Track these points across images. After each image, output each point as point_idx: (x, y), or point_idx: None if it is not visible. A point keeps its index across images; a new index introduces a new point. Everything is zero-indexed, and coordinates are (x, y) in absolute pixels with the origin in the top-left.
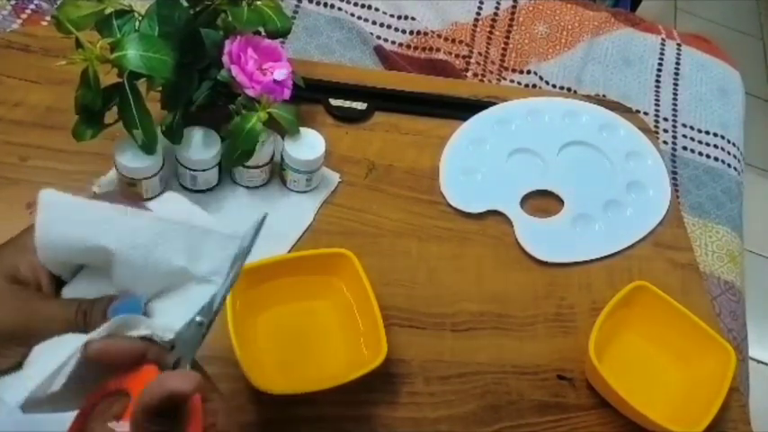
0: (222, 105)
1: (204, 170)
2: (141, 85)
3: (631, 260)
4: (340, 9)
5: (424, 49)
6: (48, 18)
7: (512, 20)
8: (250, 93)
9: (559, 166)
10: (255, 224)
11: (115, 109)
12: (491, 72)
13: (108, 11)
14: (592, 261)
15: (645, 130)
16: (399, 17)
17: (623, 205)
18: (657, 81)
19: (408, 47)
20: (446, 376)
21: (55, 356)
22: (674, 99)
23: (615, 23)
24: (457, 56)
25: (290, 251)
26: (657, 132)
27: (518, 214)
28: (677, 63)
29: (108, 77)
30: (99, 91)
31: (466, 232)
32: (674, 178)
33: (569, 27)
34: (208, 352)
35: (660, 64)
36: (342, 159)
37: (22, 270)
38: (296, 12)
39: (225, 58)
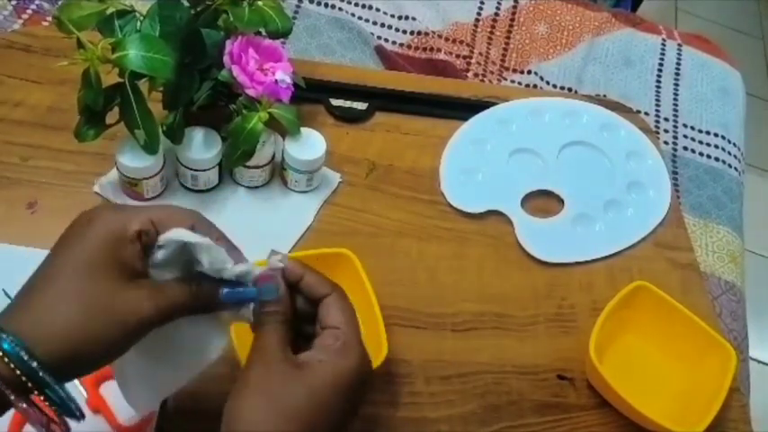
0: (223, 105)
1: (205, 170)
2: (142, 85)
3: (632, 260)
4: (341, 9)
5: (424, 49)
6: (49, 18)
7: (512, 20)
8: (251, 93)
9: (560, 166)
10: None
11: (116, 109)
12: (492, 72)
13: (109, 11)
14: (592, 261)
15: (645, 130)
16: (400, 17)
17: (624, 205)
18: (658, 81)
19: (409, 47)
20: (446, 376)
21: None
22: (675, 99)
23: (616, 23)
24: (457, 56)
25: (290, 251)
26: (658, 132)
27: (518, 214)
28: (678, 63)
29: (109, 77)
30: (100, 91)
31: (466, 232)
32: (675, 178)
33: (570, 27)
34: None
35: (661, 64)
36: (342, 159)
37: (127, 264)
38: (297, 12)
39: (226, 59)
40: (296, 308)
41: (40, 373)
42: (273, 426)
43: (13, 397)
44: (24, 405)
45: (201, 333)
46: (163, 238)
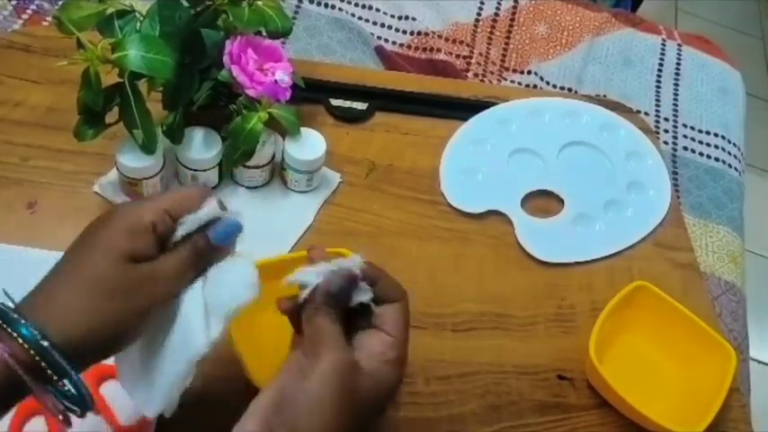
0: (223, 105)
1: (205, 170)
2: (142, 85)
3: (632, 260)
4: (341, 9)
5: (424, 49)
6: (49, 18)
7: (512, 20)
8: (251, 93)
9: (560, 166)
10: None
11: (116, 109)
12: (492, 72)
13: (109, 11)
14: (592, 261)
15: (645, 130)
16: (400, 17)
17: (624, 205)
18: (658, 81)
19: (409, 47)
20: (446, 376)
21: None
22: (675, 99)
23: (616, 24)
24: (457, 56)
25: (290, 251)
26: (658, 132)
27: (518, 214)
28: (678, 63)
29: (109, 77)
30: (100, 91)
31: (466, 232)
32: (675, 178)
33: (570, 27)
34: (208, 351)
35: (661, 64)
36: (342, 159)
37: (139, 252)
38: (296, 12)
39: (226, 59)
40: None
41: (57, 358)
42: (329, 428)
43: (32, 382)
44: (43, 391)
45: (192, 324)
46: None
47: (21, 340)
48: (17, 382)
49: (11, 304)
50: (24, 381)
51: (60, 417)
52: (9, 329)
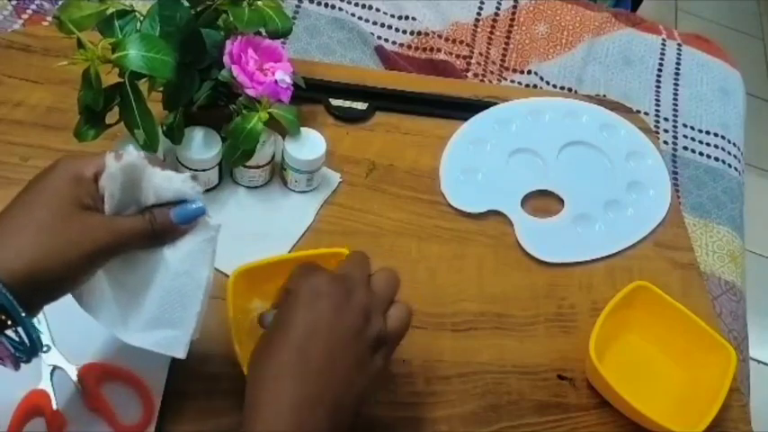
0: (223, 105)
1: (205, 170)
2: (142, 85)
3: (632, 260)
4: (341, 9)
5: (424, 49)
6: (49, 18)
7: (512, 20)
8: (251, 93)
9: (560, 166)
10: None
11: (116, 109)
12: (492, 72)
13: (109, 11)
14: (592, 261)
15: (645, 130)
16: (400, 17)
17: (624, 205)
18: (658, 81)
19: (409, 47)
20: (446, 376)
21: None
22: (675, 99)
23: (616, 23)
24: (457, 56)
25: (290, 251)
26: (658, 132)
27: (518, 214)
28: (678, 63)
29: (109, 77)
30: (100, 91)
31: (466, 232)
32: (675, 178)
33: (570, 27)
34: (209, 351)
35: (661, 64)
36: (342, 159)
37: (83, 199)
38: (296, 12)
39: (226, 59)
40: None
41: (7, 296)
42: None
43: None
44: None
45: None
46: (112, 164)
47: None
48: None
49: None
50: None
51: (9, 362)
52: None
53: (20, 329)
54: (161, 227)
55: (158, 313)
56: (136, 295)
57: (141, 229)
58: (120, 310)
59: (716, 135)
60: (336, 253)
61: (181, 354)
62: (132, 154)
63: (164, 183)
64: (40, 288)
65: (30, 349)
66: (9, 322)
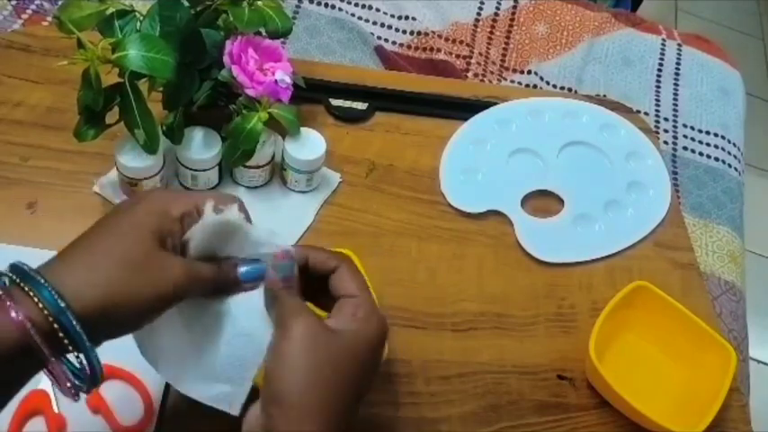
0: (223, 105)
1: (205, 170)
2: (142, 85)
3: (632, 260)
4: (341, 9)
5: (424, 49)
6: (49, 18)
7: (512, 20)
8: (251, 93)
9: (560, 166)
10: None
11: (116, 109)
12: (491, 72)
13: (109, 11)
14: (592, 261)
15: (645, 130)
16: (400, 17)
17: (624, 205)
18: (658, 81)
19: (409, 47)
20: (446, 376)
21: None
22: (675, 99)
23: (616, 23)
24: (457, 56)
25: None
26: (658, 132)
27: (518, 214)
28: (678, 63)
29: (109, 77)
30: (100, 91)
31: (466, 232)
32: (675, 178)
33: (570, 27)
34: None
35: (661, 64)
36: (342, 159)
37: (166, 238)
38: (296, 12)
39: (226, 59)
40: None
41: (76, 326)
42: (318, 389)
43: (47, 352)
44: (56, 361)
45: (252, 326)
46: (210, 215)
47: (40, 304)
48: (31, 352)
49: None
50: (39, 350)
51: (71, 391)
52: (27, 289)
53: (81, 357)
54: (227, 278)
55: (219, 369)
56: (197, 347)
57: (210, 275)
58: (179, 360)
59: (716, 135)
60: (336, 253)
61: (236, 411)
62: (234, 213)
63: (255, 246)
64: (107, 323)
65: (91, 378)
66: (70, 347)
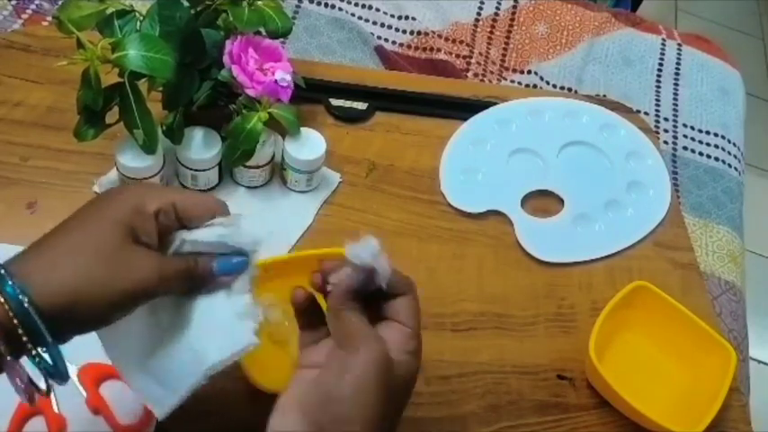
0: (223, 105)
1: (205, 170)
2: (142, 85)
3: (632, 260)
4: (341, 9)
5: (424, 49)
6: (49, 18)
7: (512, 20)
8: (251, 93)
9: (560, 166)
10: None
11: (116, 109)
12: (491, 72)
13: (109, 11)
14: (592, 261)
15: (645, 130)
16: (400, 17)
17: (624, 205)
18: (658, 81)
19: (409, 47)
20: (446, 376)
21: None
22: (675, 99)
23: (616, 23)
24: (457, 56)
25: (290, 251)
26: (658, 132)
27: (518, 214)
28: (678, 63)
29: (109, 77)
30: (100, 91)
31: (466, 232)
32: (675, 178)
33: (570, 27)
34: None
35: (661, 64)
36: (342, 159)
37: (140, 234)
38: (296, 12)
39: (226, 58)
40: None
41: (38, 323)
42: (377, 413)
43: (2, 348)
44: (12, 360)
45: (225, 324)
46: (191, 237)
47: (1, 298)
48: None
49: None
50: None
51: (24, 394)
52: None
53: (45, 355)
54: (203, 274)
55: (160, 371)
56: (152, 339)
57: (183, 271)
58: (130, 342)
59: (716, 135)
60: (336, 253)
61: (161, 416)
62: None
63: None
64: (74, 318)
65: (56, 376)
66: (30, 345)
